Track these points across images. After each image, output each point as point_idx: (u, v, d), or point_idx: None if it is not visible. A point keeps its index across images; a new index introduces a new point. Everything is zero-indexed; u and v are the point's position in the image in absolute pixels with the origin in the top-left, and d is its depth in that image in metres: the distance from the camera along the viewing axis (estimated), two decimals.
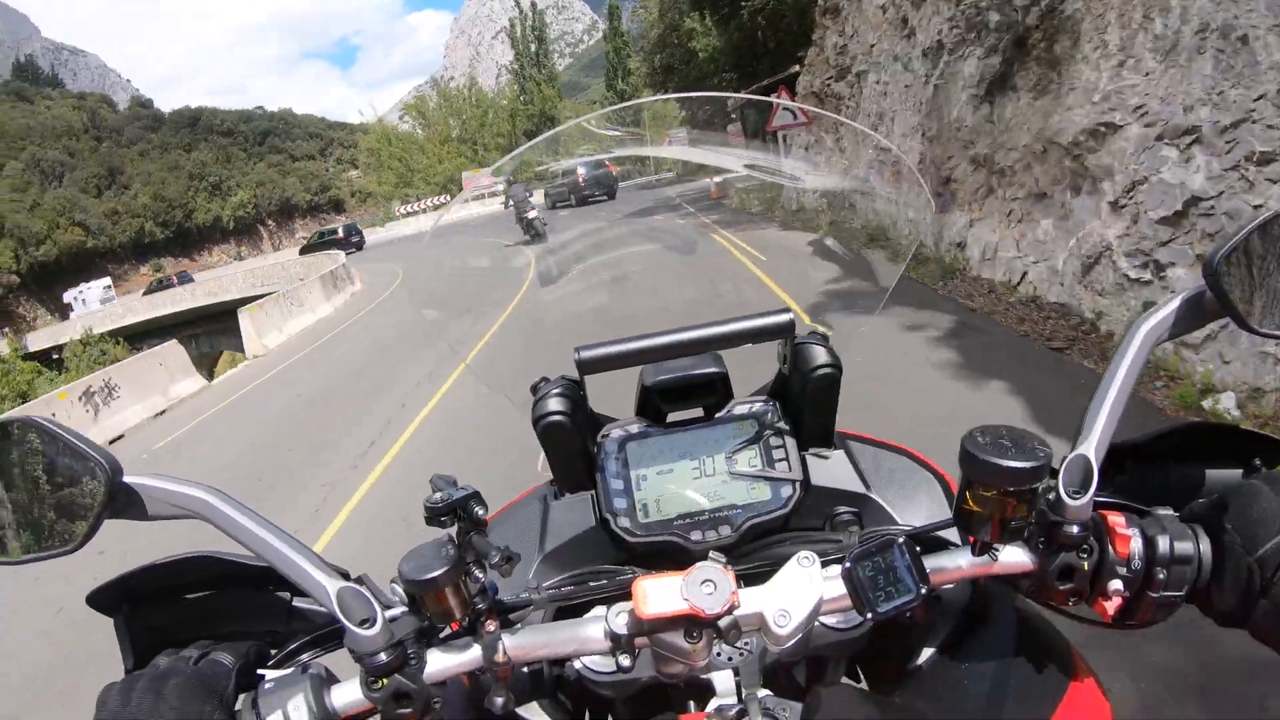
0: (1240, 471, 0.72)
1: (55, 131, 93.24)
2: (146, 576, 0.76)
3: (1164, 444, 0.75)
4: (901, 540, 0.67)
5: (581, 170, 13.11)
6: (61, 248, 75.65)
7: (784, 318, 0.87)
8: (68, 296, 59.99)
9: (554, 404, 0.90)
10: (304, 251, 41.42)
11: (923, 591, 0.65)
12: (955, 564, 0.70)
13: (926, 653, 0.83)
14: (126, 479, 0.64)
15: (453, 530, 0.66)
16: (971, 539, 0.68)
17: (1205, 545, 0.65)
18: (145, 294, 47.80)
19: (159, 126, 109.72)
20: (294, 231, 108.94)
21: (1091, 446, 0.66)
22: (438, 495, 0.66)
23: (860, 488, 0.94)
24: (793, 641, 0.65)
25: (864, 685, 0.93)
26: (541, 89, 62.99)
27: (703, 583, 0.63)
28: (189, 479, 0.67)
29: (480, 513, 0.66)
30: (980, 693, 0.75)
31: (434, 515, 0.65)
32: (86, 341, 39.49)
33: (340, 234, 44.36)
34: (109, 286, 59.97)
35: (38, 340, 46.52)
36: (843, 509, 0.92)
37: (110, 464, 0.62)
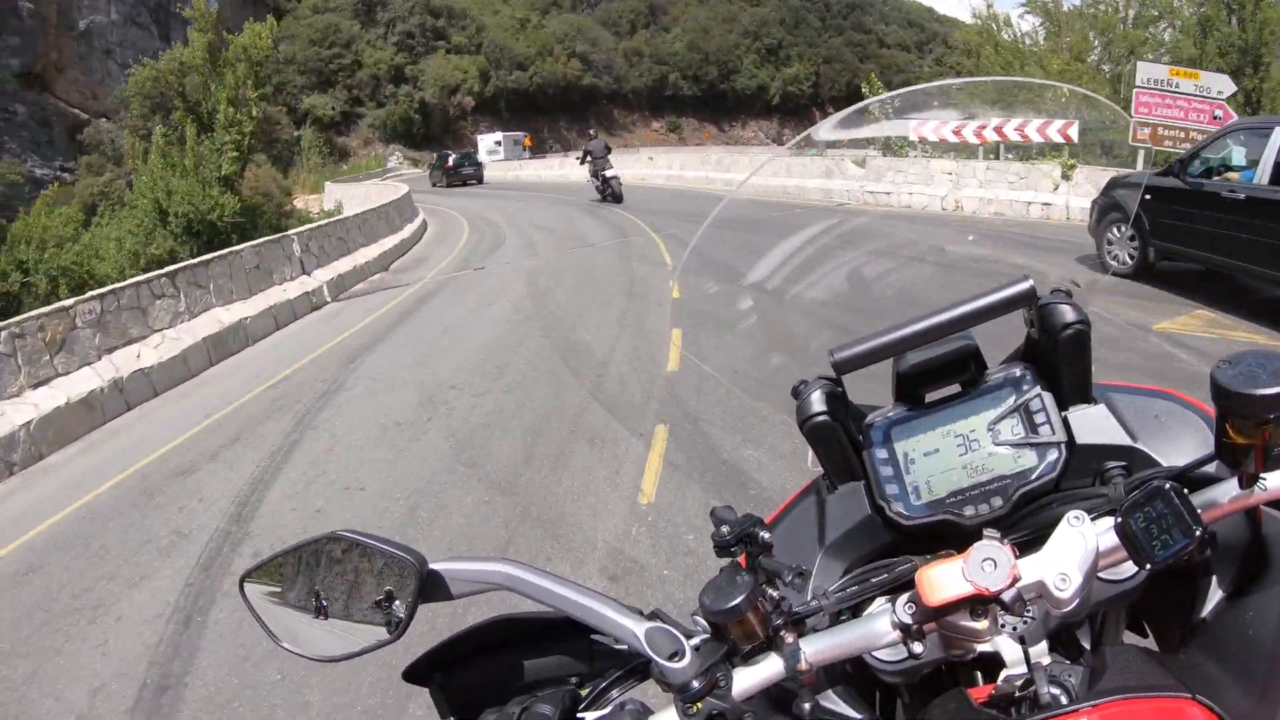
0: None
1: None
2: (452, 646, 0.82)
3: None
4: (1169, 485, 0.66)
5: None
6: (545, 78, 65.67)
7: (1023, 286, 0.86)
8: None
9: (816, 404, 0.94)
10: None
11: (1197, 533, 0.64)
12: (1224, 499, 0.68)
13: (1211, 602, 0.79)
14: (433, 566, 0.72)
15: (740, 557, 0.72)
16: (1237, 472, 0.66)
17: None
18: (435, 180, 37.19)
19: None
20: None
21: None
22: (724, 528, 0.72)
23: (1126, 440, 0.90)
24: (1075, 603, 0.66)
25: (1150, 639, 0.92)
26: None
27: (983, 561, 0.64)
28: (487, 556, 0.76)
29: (765, 536, 0.71)
30: (1269, 637, 0.71)
31: (724, 547, 0.72)
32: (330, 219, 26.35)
33: (449, 162, 36.54)
34: (499, 142, 48.43)
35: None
36: (1111, 464, 0.89)
37: (417, 558, 0.71)
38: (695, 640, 0.69)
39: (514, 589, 0.71)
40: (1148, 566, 0.65)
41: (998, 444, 0.89)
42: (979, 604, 0.64)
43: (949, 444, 0.90)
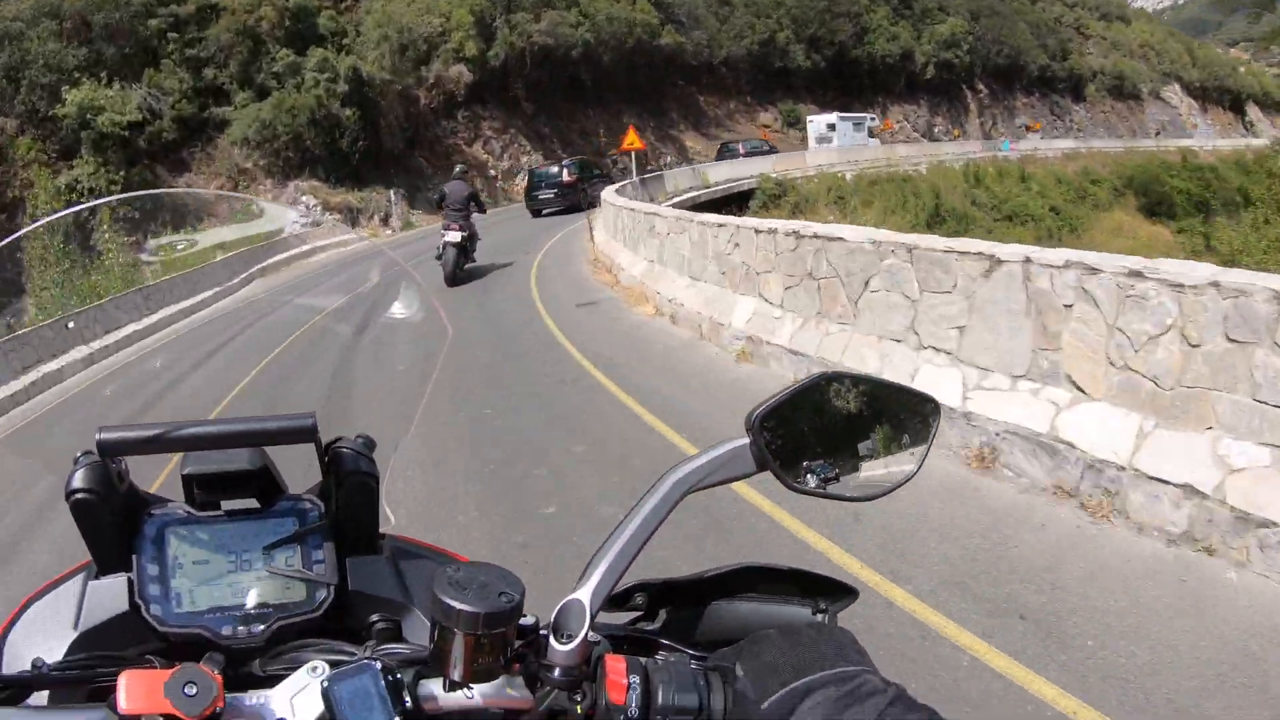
0: (806, 612, 0.74)
1: None
2: None
3: (720, 583, 0.76)
4: (379, 665, 0.67)
5: None
6: (598, 33, 37.53)
7: (303, 423, 0.83)
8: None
9: (82, 480, 0.86)
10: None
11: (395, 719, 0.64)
12: (439, 695, 0.68)
13: None
14: None
15: None
16: (445, 675, 0.66)
17: (719, 696, 0.65)
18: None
19: None
20: (1012, 113, 64.32)
21: (589, 592, 0.66)
22: None
23: (399, 596, 0.91)
24: None
25: None
26: None
27: (186, 684, 0.62)
28: None
29: None
30: None
31: None
32: None
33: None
34: (833, 125, 40.62)
35: None
36: (380, 618, 0.88)
37: None
38: None
39: None
40: None
41: (270, 570, 0.87)
42: None
43: (221, 558, 0.87)
